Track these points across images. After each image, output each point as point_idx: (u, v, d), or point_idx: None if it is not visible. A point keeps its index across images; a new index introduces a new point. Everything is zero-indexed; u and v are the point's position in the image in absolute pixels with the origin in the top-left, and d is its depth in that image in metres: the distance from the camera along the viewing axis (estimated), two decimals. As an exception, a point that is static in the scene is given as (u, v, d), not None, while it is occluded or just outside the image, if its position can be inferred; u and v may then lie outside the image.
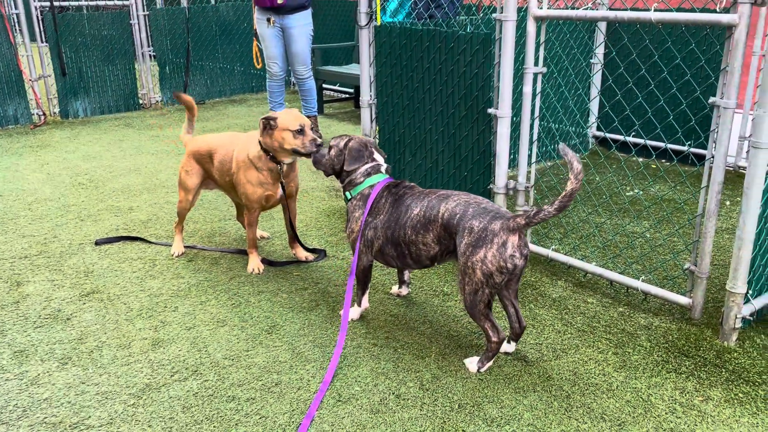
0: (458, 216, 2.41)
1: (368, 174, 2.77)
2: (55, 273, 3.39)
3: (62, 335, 2.79)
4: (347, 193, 2.80)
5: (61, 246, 3.74)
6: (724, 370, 2.49)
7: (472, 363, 2.50)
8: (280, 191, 3.29)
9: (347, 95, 8.34)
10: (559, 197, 2.23)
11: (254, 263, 3.38)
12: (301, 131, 3.05)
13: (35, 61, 6.97)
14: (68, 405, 2.33)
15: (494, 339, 2.42)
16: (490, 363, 2.49)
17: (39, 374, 2.52)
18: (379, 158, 2.84)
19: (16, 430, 2.20)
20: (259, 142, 3.16)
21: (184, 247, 3.67)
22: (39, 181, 4.95)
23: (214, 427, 2.20)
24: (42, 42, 7.11)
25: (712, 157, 2.63)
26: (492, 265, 2.30)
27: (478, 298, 2.37)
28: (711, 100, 2.56)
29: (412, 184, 2.72)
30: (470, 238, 2.34)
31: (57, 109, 7.18)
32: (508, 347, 2.60)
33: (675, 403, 2.30)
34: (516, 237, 2.31)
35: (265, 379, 2.46)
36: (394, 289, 3.12)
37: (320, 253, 3.55)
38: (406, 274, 3.09)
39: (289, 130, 3.05)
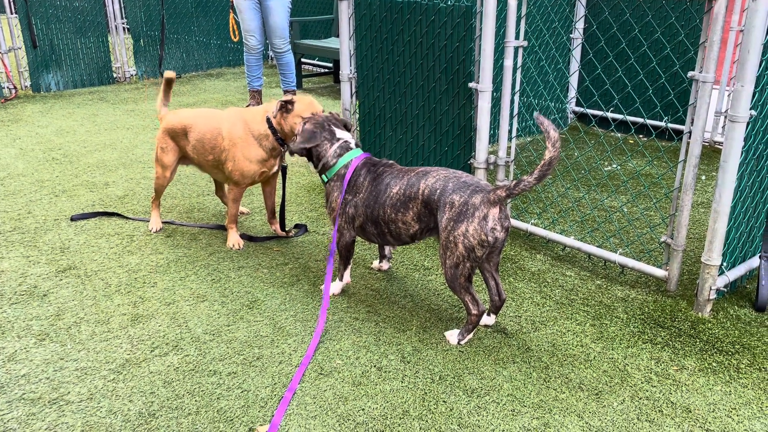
0: (438, 191, 2.40)
1: (339, 155, 2.74)
2: (30, 249, 3.34)
3: (39, 311, 2.75)
4: (323, 176, 2.79)
5: (35, 222, 3.68)
6: (698, 340, 2.55)
7: (452, 336, 2.52)
8: (274, 168, 3.27)
9: (326, 69, 8.25)
10: (539, 166, 2.24)
11: (234, 239, 3.36)
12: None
13: (5, 33, 6.77)
14: (47, 381, 2.31)
15: (474, 312, 2.44)
16: (470, 335, 2.52)
17: (16, 350, 2.49)
18: (343, 135, 2.80)
19: (-7, 407, 2.17)
20: (268, 120, 3.12)
21: (162, 222, 3.62)
22: (11, 156, 4.84)
23: (195, 401, 2.20)
24: (11, 13, 6.90)
25: (690, 131, 2.65)
26: (474, 239, 2.31)
27: (460, 271, 2.38)
28: (690, 74, 2.58)
29: (392, 162, 2.71)
30: (451, 212, 2.34)
31: (28, 83, 7.00)
32: (488, 320, 2.63)
33: (650, 373, 2.35)
34: (497, 209, 2.32)
35: (247, 354, 2.46)
36: (375, 263, 3.12)
37: (301, 228, 3.53)
38: (387, 249, 3.10)
39: (301, 117, 3.01)
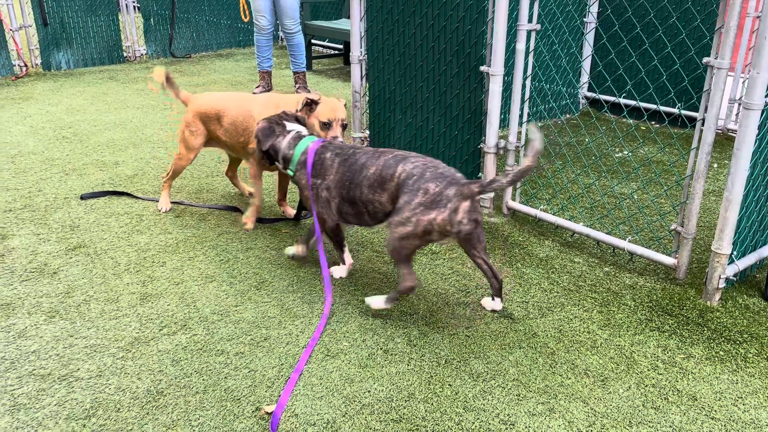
0: (415, 177, 2.42)
1: (294, 144, 2.80)
2: (40, 227, 3.36)
3: (49, 289, 2.78)
4: (289, 171, 2.84)
5: (45, 200, 3.70)
6: (706, 328, 2.54)
7: (376, 301, 2.58)
8: None
9: (336, 51, 8.20)
10: (514, 171, 2.31)
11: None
12: (328, 125, 3.03)
13: (16, 11, 6.76)
14: (56, 357, 2.33)
15: (408, 283, 2.47)
16: (393, 303, 2.56)
17: (26, 327, 2.51)
18: (294, 126, 2.89)
19: (4, 382, 2.20)
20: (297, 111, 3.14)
21: (171, 202, 3.64)
22: (22, 134, 4.86)
23: (203, 380, 2.22)
24: (22, -10, 6.88)
25: (704, 118, 2.62)
26: (437, 227, 2.35)
27: (408, 243, 2.42)
28: (705, 60, 2.54)
29: (357, 144, 2.74)
30: (424, 198, 2.36)
31: (39, 61, 7.00)
32: (494, 305, 2.63)
33: (657, 360, 2.35)
34: (468, 203, 2.36)
35: (254, 334, 2.48)
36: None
37: (308, 212, 3.53)
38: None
39: (319, 119, 3.03)
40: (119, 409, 2.09)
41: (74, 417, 2.05)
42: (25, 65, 6.79)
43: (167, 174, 3.56)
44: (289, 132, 2.86)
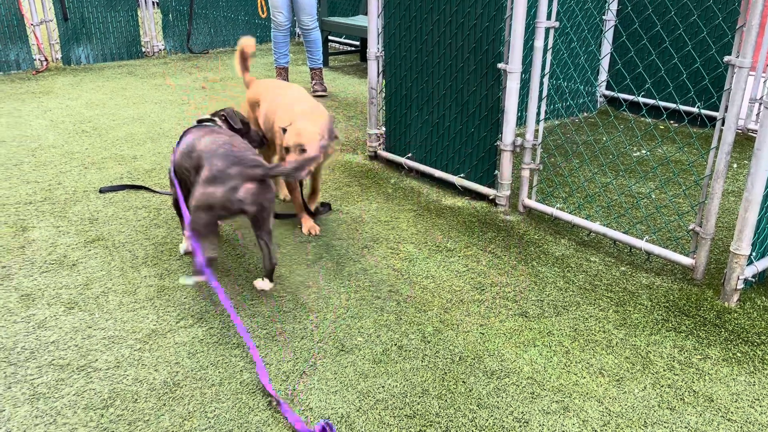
0: (209, 153, 2.56)
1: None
2: (60, 219, 3.40)
3: (68, 280, 2.82)
4: None
5: (65, 193, 3.75)
6: (723, 330, 2.51)
7: (185, 279, 2.76)
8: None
9: (353, 48, 8.20)
10: (298, 159, 2.45)
11: (309, 224, 3.31)
12: (287, 149, 2.92)
13: (37, 5, 6.84)
14: (75, 348, 2.37)
15: (198, 259, 2.51)
16: (194, 279, 2.61)
17: (46, 318, 2.55)
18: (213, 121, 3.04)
19: (24, 371, 2.24)
20: None
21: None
22: (42, 128, 4.92)
23: (219, 372, 2.24)
24: (43, -15, 6.96)
25: (724, 117, 2.60)
26: (216, 201, 2.47)
27: (197, 216, 2.51)
28: (726, 58, 2.51)
29: (208, 124, 2.92)
30: (209, 173, 2.49)
31: (59, 55, 7.08)
32: (263, 285, 2.73)
33: (673, 361, 2.33)
34: (252, 185, 2.48)
35: (270, 328, 2.50)
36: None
37: (325, 207, 3.54)
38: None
39: (282, 146, 2.98)
40: (136, 399, 2.12)
41: (92, 407, 2.08)
42: (46, 60, 6.87)
43: None
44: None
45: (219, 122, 2.97)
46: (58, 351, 2.35)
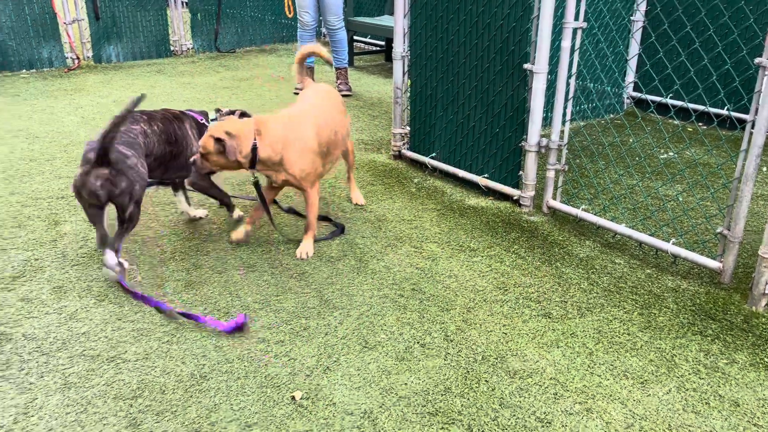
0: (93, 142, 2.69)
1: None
2: (90, 214, 3.48)
3: (98, 273, 2.88)
4: None
5: (96, 188, 3.82)
6: (750, 334, 2.48)
7: (110, 258, 2.79)
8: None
9: (378, 48, 8.23)
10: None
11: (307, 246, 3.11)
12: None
13: (69, 5, 6.99)
14: (105, 339, 2.43)
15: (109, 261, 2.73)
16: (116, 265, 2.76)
17: (77, 309, 2.61)
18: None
19: (56, 361, 2.30)
20: None
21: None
22: (74, 124, 5.03)
23: (244, 366, 2.28)
24: (76, -15, 7.10)
25: (754, 120, 2.56)
26: (78, 183, 2.65)
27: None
28: (757, 60, 2.48)
29: (157, 111, 3.06)
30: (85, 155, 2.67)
31: (90, 54, 7.22)
32: (109, 259, 2.77)
33: (699, 365, 2.31)
34: (101, 170, 2.60)
35: (294, 324, 2.53)
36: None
37: (338, 228, 3.31)
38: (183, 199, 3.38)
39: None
40: (164, 391, 2.16)
41: (121, 397, 2.13)
42: (78, 58, 7.01)
43: None
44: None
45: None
46: (88, 342, 2.41)
